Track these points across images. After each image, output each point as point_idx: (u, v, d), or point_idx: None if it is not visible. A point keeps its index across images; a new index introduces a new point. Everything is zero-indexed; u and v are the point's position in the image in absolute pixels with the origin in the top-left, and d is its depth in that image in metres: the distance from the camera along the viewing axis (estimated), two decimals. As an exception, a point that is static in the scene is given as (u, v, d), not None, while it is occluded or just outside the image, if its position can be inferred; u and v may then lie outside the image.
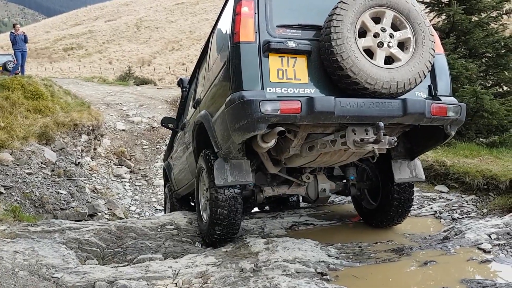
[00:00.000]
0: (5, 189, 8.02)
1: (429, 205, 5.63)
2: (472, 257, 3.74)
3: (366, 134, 3.65)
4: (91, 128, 13.56)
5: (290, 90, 3.52)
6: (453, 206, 5.50)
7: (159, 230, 4.74)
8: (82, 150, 12.74)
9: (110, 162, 14.25)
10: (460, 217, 5.21)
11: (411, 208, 5.48)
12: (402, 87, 3.52)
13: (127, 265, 3.96)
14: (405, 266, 3.83)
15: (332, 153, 3.97)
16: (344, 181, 5.02)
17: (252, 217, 5.32)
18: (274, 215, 5.38)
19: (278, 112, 3.33)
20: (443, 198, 5.85)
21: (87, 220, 9.09)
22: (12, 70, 16.11)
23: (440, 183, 6.31)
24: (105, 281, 3.33)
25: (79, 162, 11.95)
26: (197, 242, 4.60)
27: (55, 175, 9.34)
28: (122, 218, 10.64)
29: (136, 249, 4.21)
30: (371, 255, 4.01)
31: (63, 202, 8.70)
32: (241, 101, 3.37)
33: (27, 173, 8.74)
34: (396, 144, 3.61)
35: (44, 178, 9.04)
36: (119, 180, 13.17)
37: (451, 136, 3.99)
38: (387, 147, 3.66)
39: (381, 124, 3.43)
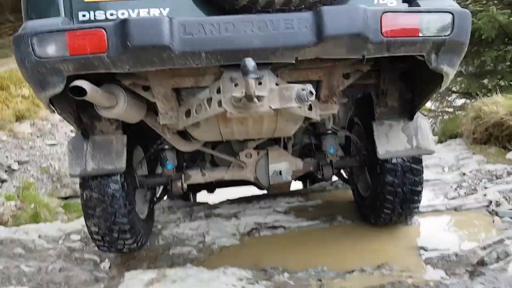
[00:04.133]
0: (19, 164, 7.50)
1: (485, 188, 3.55)
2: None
3: (260, 84, 2.01)
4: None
5: (122, 14, 2.06)
6: (525, 191, 3.38)
7: (60, 242, 3.51)
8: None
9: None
10: (532, 213, 3.12)
11: (459, 195, 3.55)
12: None
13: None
14: None
15: (241, 120, 2.32)
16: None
17: (200, 217, 3.80)
18: (232, 214, 3.79)
19: (67, 54, 1.89)
20: (514, 174, 3.71)
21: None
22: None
23: (517, 148, 4.10)
24: None
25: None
26: (106, 259, 3.27)
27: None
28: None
29: (3, 277, 3.03)
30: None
31: (85, 174, 7.97)
32: (13, 39, 1.99)
33: (49, 144, 8.14)
34: (312, 96, 1.94)
35: (69, 148, 8.38)
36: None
37: (449, 76, 2.14)
38: (295, 105, 2.00)
39: (250, 63, 1.77)
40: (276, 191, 3.31)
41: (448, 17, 1.96)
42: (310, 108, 2.39)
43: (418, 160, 2.85)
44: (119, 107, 2.27)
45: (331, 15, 1.86)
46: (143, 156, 3.28)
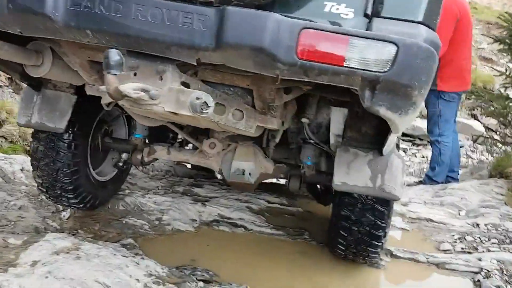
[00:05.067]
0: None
1: (488, 251, 2.97)
2: None
3: (161, 79, 1.79)
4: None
5: None
6: (531, 269, 2.76)
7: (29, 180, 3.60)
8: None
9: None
10: (521, 299, 2.55)
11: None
12: None
13: None
14: None
15: None
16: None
17: (176, 192, 3.68)
18: (206, 198, 3.60)
19: None
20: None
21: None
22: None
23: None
24: None
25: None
26: (69, 209, 3.29)
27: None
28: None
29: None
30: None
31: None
32: None
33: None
34: (208, 108, 1.71)
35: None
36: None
37: (393, 121, 1.72)
38: (188, 113, 1.74)
39: (114, 56, 1.57)
40: (239, 190, 3.06)
41: (391, 49, 1.50)
42: (242, 117, 2.09)
43: (384, 202, 2.42)
44: (44, 67, 2.19)
45: (235, 19, 1.53)
46: (121, 118, 3.22)
